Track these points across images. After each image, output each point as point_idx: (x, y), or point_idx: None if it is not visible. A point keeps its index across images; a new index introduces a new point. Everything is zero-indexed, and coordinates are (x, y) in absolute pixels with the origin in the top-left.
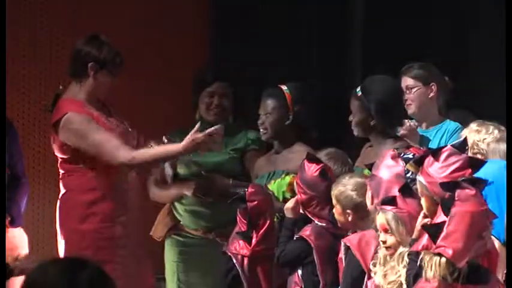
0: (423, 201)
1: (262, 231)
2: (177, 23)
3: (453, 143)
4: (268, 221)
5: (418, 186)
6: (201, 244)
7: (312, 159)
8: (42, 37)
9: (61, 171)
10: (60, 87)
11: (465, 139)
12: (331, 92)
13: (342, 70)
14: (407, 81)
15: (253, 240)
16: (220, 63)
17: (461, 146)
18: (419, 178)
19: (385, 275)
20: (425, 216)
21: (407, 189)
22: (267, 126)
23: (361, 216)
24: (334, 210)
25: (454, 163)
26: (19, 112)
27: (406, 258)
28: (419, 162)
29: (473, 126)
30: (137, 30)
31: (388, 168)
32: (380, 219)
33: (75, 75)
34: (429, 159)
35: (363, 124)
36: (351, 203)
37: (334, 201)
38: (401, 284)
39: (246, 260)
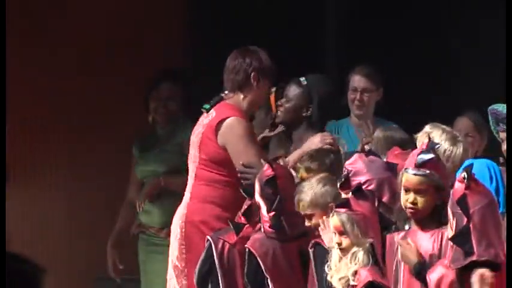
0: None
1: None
2: (153, 22)
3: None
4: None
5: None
6: (164, 244)
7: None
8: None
9: (195, 181)
10: (223, 94)
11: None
12: None
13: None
14: (361, 81)
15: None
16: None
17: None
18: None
19: (337, 272)
20: None
21: (360, 191)
22: None
23: None
24: (312, 221)
25: None
26: None
27: (359, 256)
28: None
29: (426, 128)
30: (112, 28)
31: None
32: (334, 221)
33: (238, 88)
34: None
35: (297, 113)
36: (330, 195)
37: (309, 210)
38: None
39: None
